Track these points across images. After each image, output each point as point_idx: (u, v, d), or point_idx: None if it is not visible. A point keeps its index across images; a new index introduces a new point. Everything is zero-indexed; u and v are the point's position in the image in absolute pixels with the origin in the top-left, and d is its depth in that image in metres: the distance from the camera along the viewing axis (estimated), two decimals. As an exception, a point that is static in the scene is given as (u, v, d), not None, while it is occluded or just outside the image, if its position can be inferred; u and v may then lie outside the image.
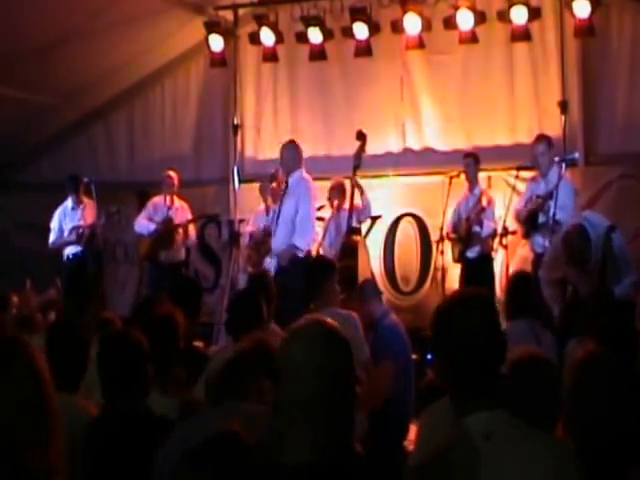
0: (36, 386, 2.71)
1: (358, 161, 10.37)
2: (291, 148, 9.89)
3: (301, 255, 9.44)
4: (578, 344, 5.43)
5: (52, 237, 11.78)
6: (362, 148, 10.44)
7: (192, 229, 11.69)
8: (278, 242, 9.74)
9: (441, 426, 4.36)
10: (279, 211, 9.80)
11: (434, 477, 2.79)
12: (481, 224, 10.24)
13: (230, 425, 2.26)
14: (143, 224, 11.63)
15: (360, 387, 6.05)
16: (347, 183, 10.74)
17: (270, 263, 10.89)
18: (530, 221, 9.60)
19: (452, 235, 10.59)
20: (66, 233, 11.66)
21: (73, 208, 11.74)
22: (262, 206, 11.30)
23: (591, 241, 7.52)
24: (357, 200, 10.46)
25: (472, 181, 10.64)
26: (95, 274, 11.26)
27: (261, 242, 11.08)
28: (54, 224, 11.76)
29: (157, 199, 11.76)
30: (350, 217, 10.31)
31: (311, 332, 2.69)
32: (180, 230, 11.54)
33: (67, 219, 11.72)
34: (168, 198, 11.60)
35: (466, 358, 2.75)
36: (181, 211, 11.68)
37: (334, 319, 6.01)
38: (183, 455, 2.22)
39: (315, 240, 10.08)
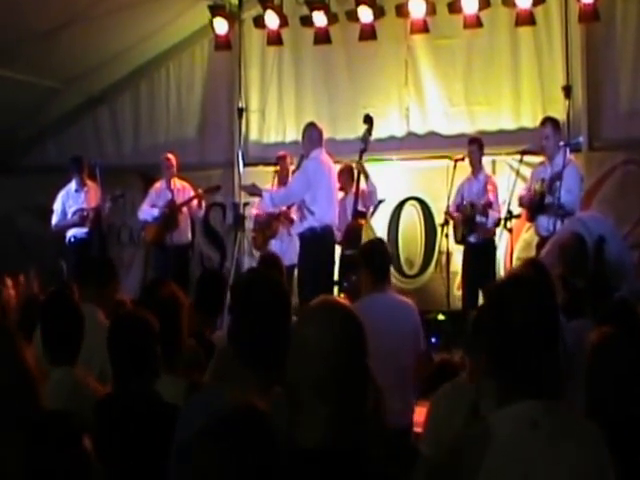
0: (17, 362, 3.17)
1: (365, 145, 10.41)
2: (307, 130, 9.96)
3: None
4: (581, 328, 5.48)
5: (55, 219, 11.74)
6: (369, 132, 10.47)
7: (196, 203, 11.67)
8: (296, 226, 10.01)
9: (453, 410, 4.43)
10: None
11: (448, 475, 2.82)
12: (487, 215, 10.24)
13: (247, 398, 2.24)
14: (147, 211, 11.63)
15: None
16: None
17: (275, 245, 10.96)
18: (536, 204, 9.60)
19: (455, 215, 10.60)
20: (69, 215, 11.64)
21: (77, 190, 11.73)
22: (268, 186, 11.36)
23: (588, 256, 7.48)
24: (362, 185, 10.51)
25: (476, 166, 10.62)
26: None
27: (266, 225, 11.13)
28: (57, 206, 11.72)
29: (158, 184, 11.75)
30: (356, 201, 10.36)
31: (325, 314, 2.62)
32: (184, 209, 11.55)
33: (70, 201, 11.70)
34: (169, 181, 11.62)
35: (514, 342, 2.72)
36: (182, 191, 11.68)
37: (395, 305, 6.17)
38: (198, 431, 2.19)
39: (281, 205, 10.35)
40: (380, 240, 7.53)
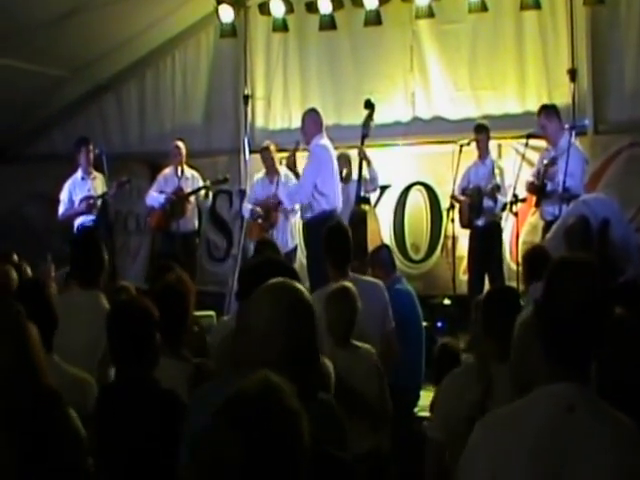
0: (22, 342, 3.35)
1: (366, 130, 10.44)
2: (308, 117, 10.00)
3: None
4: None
5: (62, 208, 11.70)
6: (370, 117, 10.49)
7: (203, 193, 11.70)
8: (304, 210, 10.06)
9: (462, 395, 4.45)
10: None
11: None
12: (495, 200, 10.25)
13: (267, 375, 2.22)
14: (154, 197, 11.66)
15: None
16: (352, 154, 10.82)
17: (276, 235, 10.93)
18: (539, 190, 9.65)
19: (461, 199, 10.61)
20: (76, 204, 11.65)
21: (83, 178, 11.71)
22: (257, 176, 11.35)
23: (593, 238, 7.50)
24: (364, 171, 10.54)
25: (483, 151, 10.62)
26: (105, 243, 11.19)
27: (264, 217, 11.08)
28: (64, 195, 11.70)
29: (167, 171, 11.78)
30: (359, 187, 10.39)
31: (276, 296, 2.65)
32: (191, 199, 11.58)
33: (77, 190, 11.68)
34: (177, 168, 11.64)
35: (565, 326, 2.70)
36: (192, 180, 11.72)
37: (362, 286, 6.13)
38: (217, 411, 2.13)
39: (301, 201, 10.21)
40: (337, 227, 7.50)
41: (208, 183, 11.63)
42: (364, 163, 10.50)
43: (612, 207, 8.23)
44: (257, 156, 12.18)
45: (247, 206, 11.32)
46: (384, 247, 9.14)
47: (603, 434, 2.65)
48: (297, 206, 10.55)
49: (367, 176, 10.64)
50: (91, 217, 11.59)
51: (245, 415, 2.07)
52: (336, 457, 2.57)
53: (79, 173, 11.74)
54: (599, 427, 2.66)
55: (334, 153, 9.92)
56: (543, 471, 2.64)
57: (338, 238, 6.80)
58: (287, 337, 2.57)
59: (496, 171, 10.35)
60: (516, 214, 10.08)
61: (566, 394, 2.68)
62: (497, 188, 10.19)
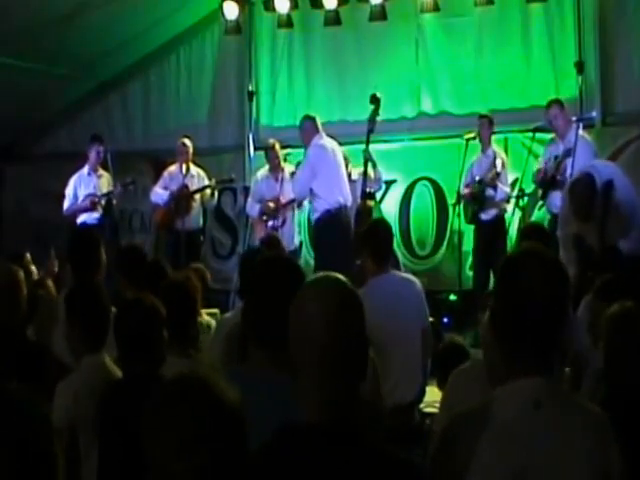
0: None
1: (372, 125, 10.35)
2: (304, 122, 10.05)
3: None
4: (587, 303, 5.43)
5: (66, 203, 11.67)
6: (376, 112, 10.42)
7: (208, 193, 11.65)
8: (311, 212, 10.14)
9: (469, 391, 4.39)
10: None
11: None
12: (495, 188, 10.18)
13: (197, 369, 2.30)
14: (158, 193, 11.62)
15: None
16: (354, 150, 10.77)
17: (282, 233, 10.88)
18: (548, 182, 9.58)
19: (465, 193, 10.54)
20: (80, 200, 11.63)
21: (89, 174, 11.68)
22: (260, 173, 11.27)
23: (597, 192, 7.46)
24: (369, 170, 10.49)
25: (485, 143, 10.57)
26: (110, 242, 11.15)
27: (273, 216, 11.01)
28: (69, 190, 11.67)
29: (172, 168, 11.72)
30: (364, 183, 10.32)
31: (326, 291, 2.51)
32: (196, 197, 11.53)
33: (82, 185, 11.64)
34: (183, 166, 11.59)
35: (523, 319, 2.64)
36: (198, 178, 11.67)
37: (400, 283, 6.16)
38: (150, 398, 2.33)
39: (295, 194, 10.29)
40: (380, 221, 7.44)
41: (213, 182, 11.58)
42: (369, 164, 10.45)
43: (619, 173, 8.15)
44: (262, 153, 12.14)
45: (255, 206, 11.20)
46: None
47: (572, 427, 2.60)
48: (305, 202, 10.50)
49: (372, 176, 10.59)
50: (95, 215, 11.56)
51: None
52: (401, 459, 2.43)
53: (85, 169, 11.73)
54: (568, 420, 2.61)
55: (334, 149, 9.86)
56: (512, 469, 2.58)
57: (380, 234, 6.68)
58: (338, 333, 2.42)
59: (497, 161, 10.26)
60: (522, 208, 10.01)
61: (532, 390, 2.62)
62: (496, 175, 10.12)
